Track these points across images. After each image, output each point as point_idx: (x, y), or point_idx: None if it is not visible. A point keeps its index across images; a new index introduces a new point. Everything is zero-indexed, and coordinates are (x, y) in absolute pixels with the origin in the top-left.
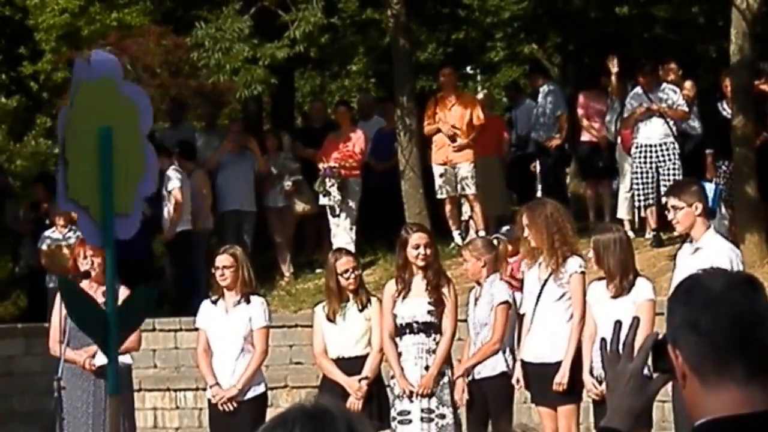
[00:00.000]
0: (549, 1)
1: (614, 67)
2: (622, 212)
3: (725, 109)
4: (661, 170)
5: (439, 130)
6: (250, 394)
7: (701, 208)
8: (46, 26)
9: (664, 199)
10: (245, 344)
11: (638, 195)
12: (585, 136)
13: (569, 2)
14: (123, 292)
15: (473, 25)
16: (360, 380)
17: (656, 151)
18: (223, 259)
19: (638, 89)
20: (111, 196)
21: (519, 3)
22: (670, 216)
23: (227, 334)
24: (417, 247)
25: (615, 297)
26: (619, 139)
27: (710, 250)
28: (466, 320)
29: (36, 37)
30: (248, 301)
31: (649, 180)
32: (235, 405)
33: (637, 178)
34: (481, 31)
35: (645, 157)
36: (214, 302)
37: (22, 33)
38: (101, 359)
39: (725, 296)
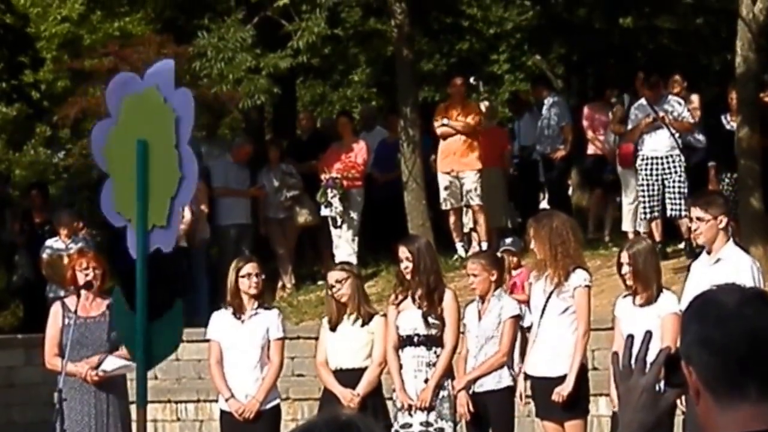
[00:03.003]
0: (553, 12)
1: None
2: (627, 225)
3: (729, 122)
4: (666, 183)
5: (449, 134)
6: (265, 406)
7: (725, 221)
8: (48, 35)
9: (668, 211)
10: (262, 355)
11: (643, 208)
12: (590, 149)
13: (573, 13)
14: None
15: (476, 36)
16: (354, 394)
17: (662, 164)
18: (252, 267)
19: (642, 100)
20: (146, 210)
21: (522, 14)
22: (693, 226)
23: (244, 345)
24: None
25: (643, 305)
26: (617, 154)
27: (732, 262)
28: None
29: (37, 45)
30: (266, 311)
31: (655, 192)
32: (251, 416)
33: (642, 191)
34: (484, 41)
35: (651, 169)
36: (232, 313)
37: (23, 41)
38: (108, 365)
39: (738, 313)
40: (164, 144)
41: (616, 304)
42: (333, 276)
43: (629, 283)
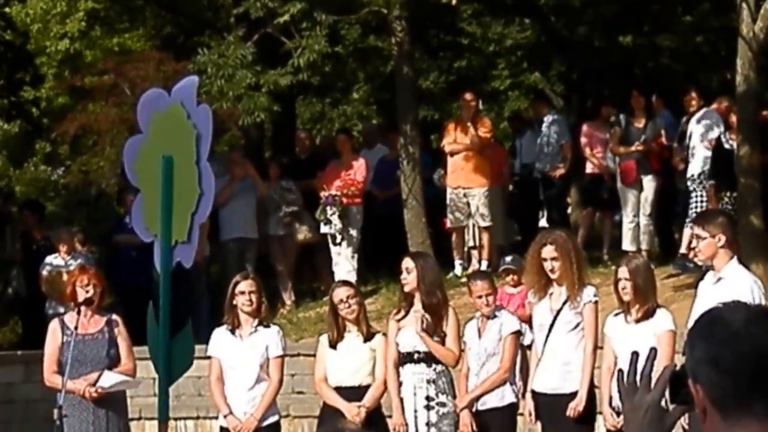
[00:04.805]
0: (552, 30)
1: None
2: (628, 243)
3: (728, 140)
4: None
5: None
6: (264, 423)
7: (724, 239)
8: (51, 51)
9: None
10: (261, 372)
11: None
12: (589, 168)
13: (573, 31)
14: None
15: (476, 53)
16: (359, 407)
17: (704, 180)
18: (248, 285)
19: (709, 112)
20: (169, 225)
21: (522, 31)
22: (693, 244)
23: (243, 363)
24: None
25: (638, 321)
26: (618, 171)
27: (732, 281)
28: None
29: (38, 61)
30: (266, 329)
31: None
32: None
33: (697, 203)
34: (483, 59)
35: (700, 184)
36: (231, 330)
37: (24, 58)
38: (107, 381)
39: (745, 331)
40: (186, 160)
41: (606, 323)
42: (340, 293)
43: (626, 298)
